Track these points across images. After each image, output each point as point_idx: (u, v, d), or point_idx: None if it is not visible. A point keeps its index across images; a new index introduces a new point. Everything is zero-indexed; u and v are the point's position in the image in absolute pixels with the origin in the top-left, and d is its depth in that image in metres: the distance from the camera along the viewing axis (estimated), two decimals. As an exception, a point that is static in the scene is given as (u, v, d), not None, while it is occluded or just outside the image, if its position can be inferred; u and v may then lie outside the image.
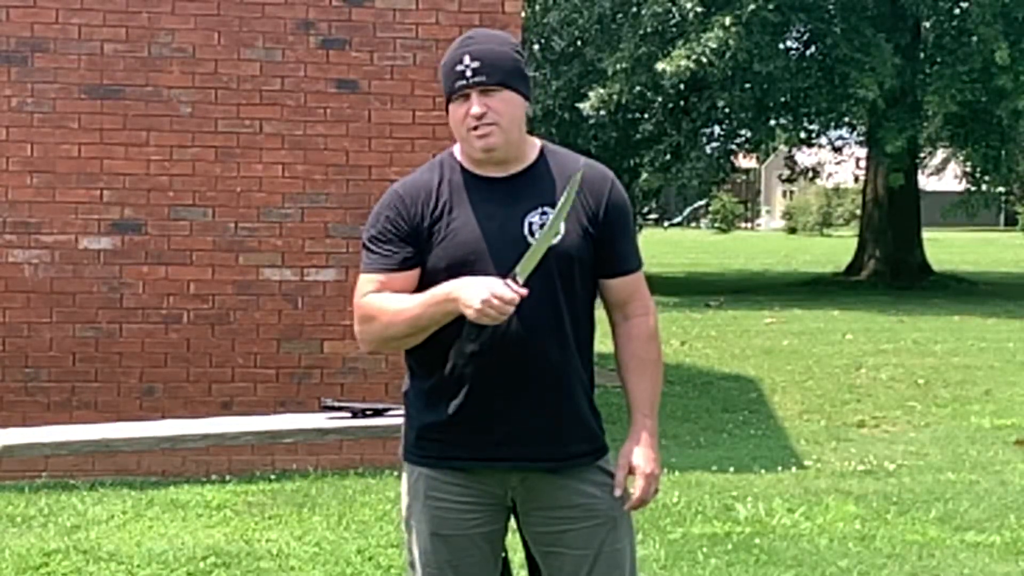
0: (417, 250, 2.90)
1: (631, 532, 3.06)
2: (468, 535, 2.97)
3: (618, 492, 2.98)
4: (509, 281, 2.73)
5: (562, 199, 2.81)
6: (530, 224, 2.89)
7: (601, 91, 21.36)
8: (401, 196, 2.95)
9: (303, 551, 5.85)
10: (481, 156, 2.90)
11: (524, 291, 2.73)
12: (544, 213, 2.90)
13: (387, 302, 2.87)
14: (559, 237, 2.88)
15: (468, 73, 2.85)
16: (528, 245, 2.83)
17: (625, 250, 3.01)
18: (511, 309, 2.71)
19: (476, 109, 2.85)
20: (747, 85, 22.58)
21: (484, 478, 2.94)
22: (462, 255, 2.82)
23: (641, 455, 2.97)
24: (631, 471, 2.98)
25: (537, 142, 3.01)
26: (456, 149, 3.01)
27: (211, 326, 7.59)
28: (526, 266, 2.75)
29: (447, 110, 2.93)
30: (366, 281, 2.93)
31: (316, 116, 7.67)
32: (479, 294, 2.70)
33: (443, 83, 2.92)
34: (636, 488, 2.99)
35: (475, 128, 2.86)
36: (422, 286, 2.87)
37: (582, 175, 2.85)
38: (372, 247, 2.94)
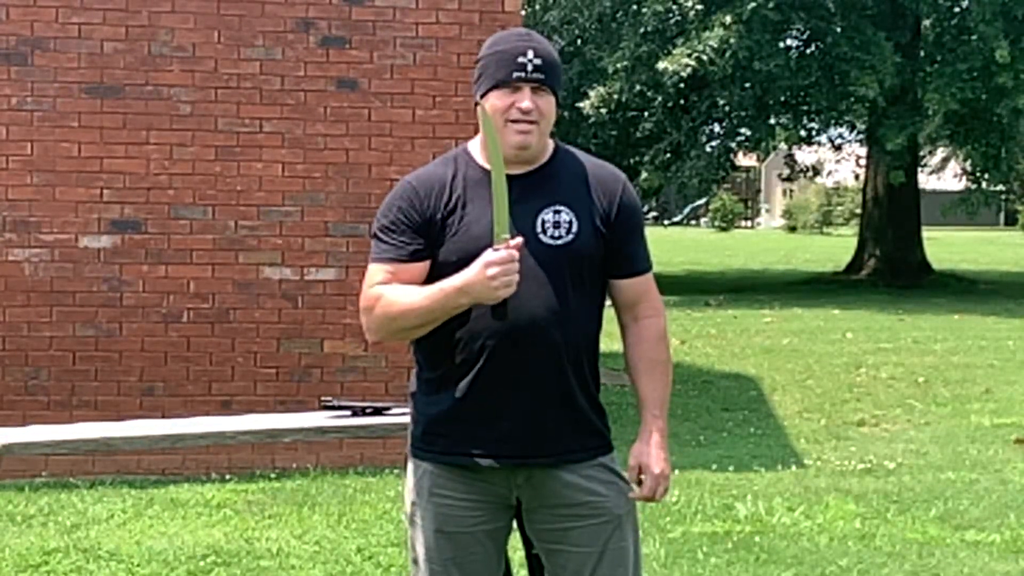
0: (428, 242, 2.91)
1: (636, 531, 3.07)
2: (472, 532, 2.97)
3: (632, 494, 2.99)
4: (495, 247, 2.74)
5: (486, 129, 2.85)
6: (543, 221, 2.90)
7: (601, 90, 21.35)
8: (415, 188, 2.95)
9: (303, 550, 5.85)
10: (510, 151, 2.89)
11: (518, 241, 2.75)
12: (557, 211, 2.91)
13: (397, 293, 2.87)
14: (572, 235, 2.90)
15: (530, 68, 2.88)
16: (540, 243, 2.88)
17: (636, 251, 3.03)
18: (516, 266, 2.73)
19: (527, 104, 2.87)
20: (747, 83, 22.57)
21: (489, 476, 2.94)
22: (474, 250, 2.80)
23: (652, 455, 2.98)
24: (641, 470, 2.99)
25: (550, 142, 3.02)
26: (471, 145, 3.02)
27: (211, 325, 7.58)
28: (500, 223, 2.76)
29: (482, 96, 2.91)
30: (376, 271, 2.93)
31: (316, 115, 7.67)
32: (482, 277, 2.72)
33: (494, 69, 2.91)
34: (644, 487, 2.99)
35: (516, 122, 2.88)
36: (431, 279, 2.88)
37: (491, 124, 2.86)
38: (383, 237, 2.94)
